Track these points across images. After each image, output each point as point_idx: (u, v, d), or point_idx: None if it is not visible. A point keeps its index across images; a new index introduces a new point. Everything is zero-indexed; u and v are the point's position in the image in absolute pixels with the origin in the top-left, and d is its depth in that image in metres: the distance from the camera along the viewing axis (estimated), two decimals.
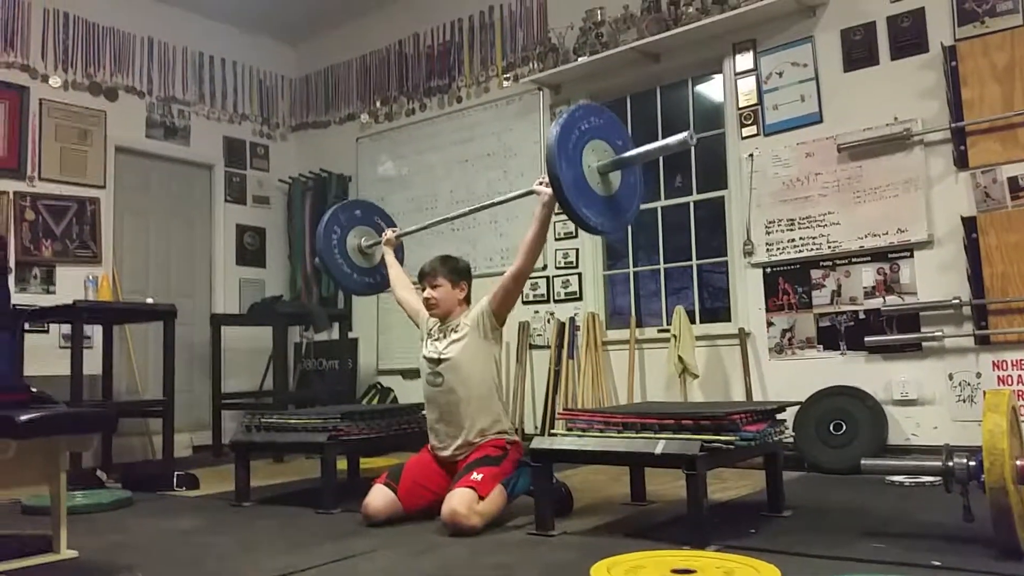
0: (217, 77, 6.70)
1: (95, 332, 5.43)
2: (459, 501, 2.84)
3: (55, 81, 5.67)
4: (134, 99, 6.13)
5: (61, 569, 2.51)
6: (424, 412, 3.46)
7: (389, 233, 3.90)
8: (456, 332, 3.24)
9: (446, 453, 3.20)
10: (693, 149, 5.01)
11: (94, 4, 5.92)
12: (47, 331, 5.37)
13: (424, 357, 3.30)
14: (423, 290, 3.33)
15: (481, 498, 2.88)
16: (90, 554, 2.68)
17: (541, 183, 3.05)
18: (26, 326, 4.93)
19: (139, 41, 6.19)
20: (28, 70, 5.54)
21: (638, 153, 3.01)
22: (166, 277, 6.27)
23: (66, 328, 5.20)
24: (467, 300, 3.36)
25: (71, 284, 5.43)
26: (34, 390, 2.82)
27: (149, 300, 5.27)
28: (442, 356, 3.22)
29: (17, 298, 5.12)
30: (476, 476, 2.94)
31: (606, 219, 2.93)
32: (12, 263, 4.99)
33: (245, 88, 6.90)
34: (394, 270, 3.78)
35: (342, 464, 3.68)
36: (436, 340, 3.29)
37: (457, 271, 3.34)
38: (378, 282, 4.01)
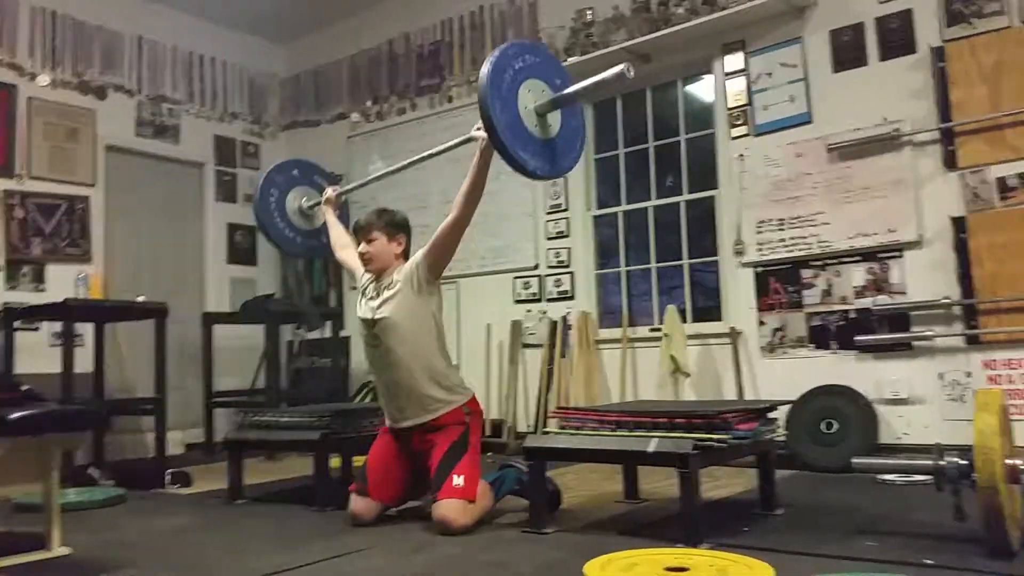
0: (207, 76, 6.68)
1: (86, 330, 5.40)
2: (449, 508, 2.82)
3: (43, 79, 5.64)
4: (124, 98, 6.11)
5: (54, 566, 2.51)
6: None
7: (329, 192, 3.74)
8: (390, 289, 3.07)
9: (403, 425, 3.08)
10: (684, 150, 5.06)
11: (83, 2, 5.89)
12: (37, 329, 5.34)
13: (359, 318, 3.15)
14: (358, 245, 3.19)
15: (471, 502, 2.87)
16: (83, 551, 2.68)
17: (479, 128, 2.86)
18: (16, 324, 4.90)
19: (129, 40, 6.17)
20: (16, 68, 5.51)
21: (575, 90, 2.85)
22: (157, 275, 6.24)
23: (57, 326, 5.17)
24: (405, 255, 3.19)
25: (61, 282, 5.41)
26: (25, 387, 2.81)
27: (140, 298, 5.24)
28: (376, 316, 3.05)
29: (7, 296, 5.11)
30: (458, 481, 2.88)
31: (544, 162, 2.79)
32: (2, 261, 4.96)
33: (235, 87, 6.88)
34: (335, 230, 3.61)
35: (335, 462, 3.67)
36: (371, 299, 3.13)
37: (394, 223, 3.18)
38: (324, 244, 3.79)
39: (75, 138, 5.77)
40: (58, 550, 2.64)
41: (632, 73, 2.73)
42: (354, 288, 3.39)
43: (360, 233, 3.18)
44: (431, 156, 3.47)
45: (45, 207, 5.55)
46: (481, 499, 2.94)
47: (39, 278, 5.47)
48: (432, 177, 6.05)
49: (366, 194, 6.01)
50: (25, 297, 5.23)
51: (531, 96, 2.79)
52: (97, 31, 5.97)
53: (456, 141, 3.25)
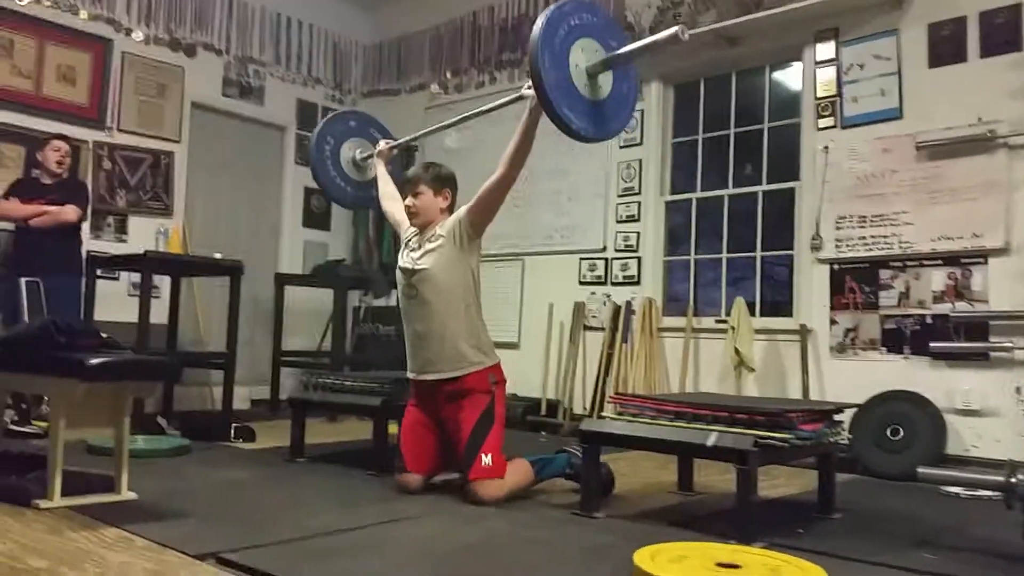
0: (293, 39, 6.77)
1: (163, 283, 5.58)
2: (482, 488, 2.91)
3: (138, 35, 5.79)
4: (212, 56, 6.24)
5: (121, 509, 2.60)
6: None
7: (382, 144, 3.77)
8: (432, 242, 3.10)
9: (428, 378, 3.10)
10: (766, 138, 4.94)
11: None
12: (117, 279, 5.54)
13: (399, 268, 3.19)
14: (404, 198, 3.22)
15: (500, 478, 2.95)
16: (148, 496, 2.77)
17: (529, 87, 2.80)
18: (98, 272, 5.09)
19: None
20: (113, 23, 5.67)
21: (628, 51, 2.77)
22: (234, 233, 6.40)
23: (136, 277, 5.35)
24: (450, 209, 3.21)
25: (142, 234, 5.59)
26: (104, 335, 2.91)
27: (217, 255, 5.38)
28: (416, 267, 3.10)
29: (91, 244, 5.29)
30: (486, 460, 2.93)
31: (590, 123, 2.72)
32: (88, 211, 5.14)
33: (320, 52, 6.96)
34: (383, 182, 3.65)
35: (392, 428, 3.73)
36: (412, 251, 3.17)
37: (440, 177, 3.19)
38: (373, 196, 3.82)
39: (164, 94, 5.93)
40: (126, 494, 2.74)
41: (687, 36, 2.63)
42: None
43: (407, 186, 3.21)
44: (481, 113, 3.45)
45: (131, 160, 5.73)
46: (515, 474, 3.01)
47: (122, 229, 5.66)
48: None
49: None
50: (108, 247, 5.42)
51: (584, 56, 2.72)
52: None
53: (507, 99, 3.23)
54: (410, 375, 3.21)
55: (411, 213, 3.20)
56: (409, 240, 3.25)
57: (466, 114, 3.55)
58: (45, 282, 4.25)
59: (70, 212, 4.67)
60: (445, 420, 3.11)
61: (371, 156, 3.87)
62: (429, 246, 3.12)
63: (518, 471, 3.03)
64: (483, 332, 3.16)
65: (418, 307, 3.10)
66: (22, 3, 5.24)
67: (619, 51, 2.78)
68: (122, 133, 5.69)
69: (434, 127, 3.95)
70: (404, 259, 3.19)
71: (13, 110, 5.17)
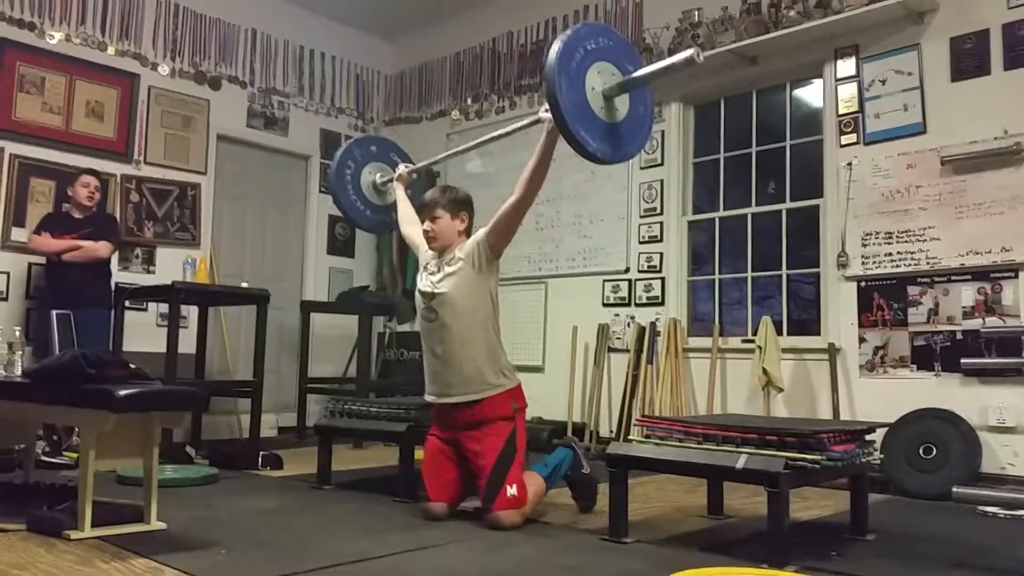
0: (316, 70, 6.87)
1: (191, 312, 5.64)
2: (504, 516, 2.92)
3: (163, 69, 5.90)
4: (237, 89, 6.34)
5: (151, 539, 2.62)
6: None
7: (402, 168, 3.83)
8: (451, 266, 3.13)
9: (448, 401, 3.10)
10: (788, 156, 4.92)
11: None
12: (146, 309, 5.61)
13: (418, 291, 3.21)
14: (423, 222, 3.24)
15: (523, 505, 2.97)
16: (177, 526, 2.79)
17: (546, 110, 2.82)
18: (127, 303, 5.16)
19: (243, 32, 6.40)
20: (139, 58, 5.79)
21: (644, 74, 2.81)
22: (260, 262, 6.46)
23: (164, 307, 5.41)
24: (467, 232, 3.23)
25: (170, 265, 5.66)
26: (132, 366, 2.94)
27: (244, 284, 5.44)
28: (436, 290, 3.11)
29: (119, 276, 5.37)
30: (512, 491, 2.94)
31: (607, 145, 2.75)
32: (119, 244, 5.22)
33: (342, 82, 7.05)
34: (403, 205, 3.69)
35: (418, 454, 3.72)
36: (432, 274, 3.19)
37: (456, 201, 3.21)
38: (392, 220, 3.88)
39: (190, 127, 6.02)
40: (154, 524, 2.76)
41: (701, 58, 2.67)
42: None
43: (425, 211, 3.23)
44: (499, 137, 3.48)
45: (158, 192, 5.82)
46: (532, 495, 3.01)
47: (150, 260, 5.74)
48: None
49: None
50: (136, 278, 5.49)
51: (600, 79, 2.75)
52: (214, 23, 6.22)
53: (524, 123, 3.26)
54: (429, 398, 3.21)
55: (429, 237, 3.23)
56: (428, 264, 3.27)
57: (483, 138, 3.58)
58: (75, 315, 4.29)
59: (103, 248, 4.76)
60: (467, 450, 3.10)
61: (391, 180, 3.91)
62: (448, 269, 3.14)
63: (533, 490, 3.04)
64: (503, 354, 3.17)
65: (438, 330, 3.11)
66: (53, 41, 5.37)
67: (635, 74, 2.81)
68: (149, 166, 5.79)
69: (452, 151, 4.02)
70: (423, 282, 3.21)
71: (44, 146, 5.28)
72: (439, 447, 3.17)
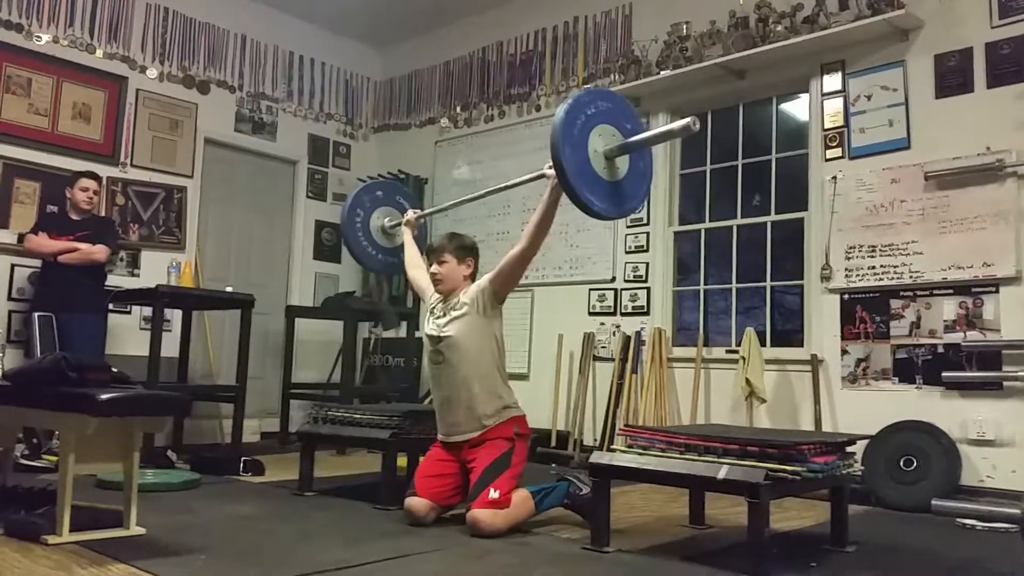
0: (306, 76, 6.87)
1: (175, 316, 5.61)
2: (481, 513, 2.94)
3: (152, 72, 5.89)
4: (225, 93, 6.32)
5: (130, 544, 2.60)
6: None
7: (410, 214, 3.97)
8: (456, 310, 3.25)
9: (456, 439, 3.22)
10: (774, 169, 4.96)
11: (192, 0, 6.13)
12: (129, 312, 5.58)
13: (425, 334, 3.33)
14: (430, 265, 3.37)
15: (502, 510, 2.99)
16: (157, 531, 2.77)
17: (550, 167, 2.98)
18: (110, 307, 5.12)
19: (233, 37, 6.39)
20: (128, 61, 5.77)
21: (643, 138, 3.00)
22: (246, 267, 6.44)
23: (147, 311, 5.38)
24: (473, 277, 3.38)
25: (155, 268, 5.64)
26: (114, 370, 2.93)
27: (228, 288, 5.42)
28: (442, 334, 3.23)
29: None
30: (494, 494, 2.98)
31: (610, 204, 2.91)
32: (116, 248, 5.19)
33: (332, 88, 7.05)
34: (411, 249, 3.84)
35: (402, 461, 3.72)
36: (438, 317, 3.30)
37: (463, 247, 3.36)
38: (400, 262, 4.02)
39: (177, 130, 6.01)
40: (134, 529, 2.74)
41: (698, 127, 2.85)
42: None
43: (432, 255, 3.37)
44: (504, 189, 3.76)
45: (144, 195, 5.80)
46: (517, 507, 3.03)
47: (134, 263, 5.71)
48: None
49: (450, 197, 6.08)
50: (120, 281, 5.45)
51: (601, 140, 2.92)
52: (204, 28, 6.21)
53: (528, 176, 3.43)
54: (439, 437, 3.31)
55: (436, 280, 3.35)
56: (434, 307, 3.38)
57: (490, 189, 3.87)
58: (69, 319, 4.22)
59: (100, 252, 4.73)
60: (466, 462, 3.18)
61: (399, 224, 4.04)
62: (454, 313, 3.25)
63: (519, 503, 3.05)
64: (508, 392, 3.29)
65: (445, 371, 3.23)
66: (40, 43, 5.34)
67: (633, 139, 2.99)
68: (135, 169, 5.76)
69: (460, 200, 4.17)
70: (430, 326, 3.32)
71: (29, 147, 5.25)
72: (442, 454, 3.26)
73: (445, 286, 3.32)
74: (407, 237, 3.89)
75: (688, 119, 2.83)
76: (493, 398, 3.20)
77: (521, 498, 3.07)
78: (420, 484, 3.15)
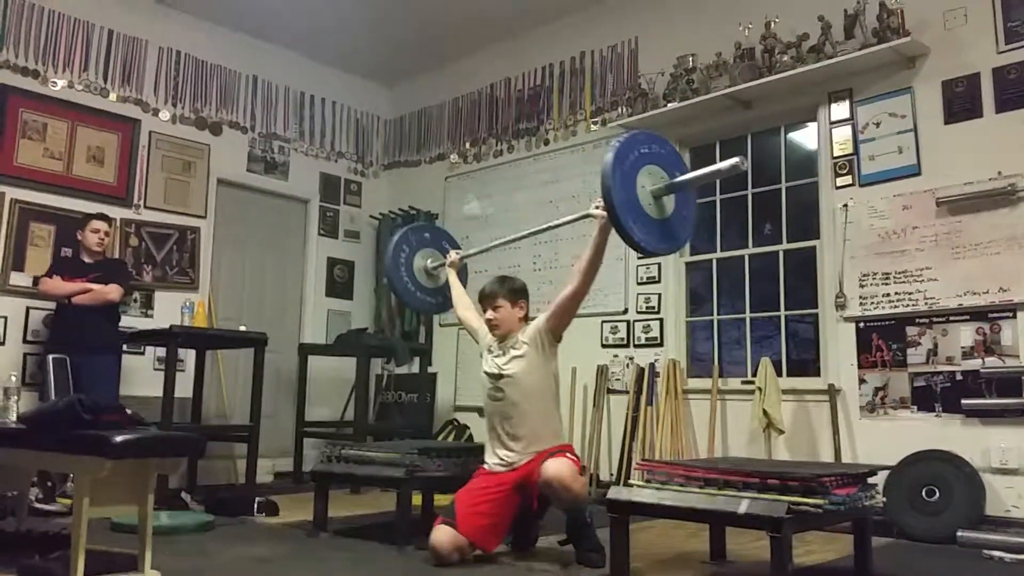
0: (317, 115, 6.94)
1: (188, 356, 5.62)
2: (563, 465, 3.06)
3: (164, 115, 5.96)
4: (237, 134, 6.39)
5: None
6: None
7: (453, 255, 4.08)
8: (516, 349, 3.37)
9: (505, 469, 3.28)
10: (784, 198, 4.96)
11: (204, 43, 6.22)
12: (143, 353, 5.59)
13: (485, 372, 3.43)
14: (484, 311, 3.47)
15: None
16: (171, 575, 2.74)
17: (597, 207, 3.13)
18: (124, 347, 5.14)
19: (244, 79, 6.47)
20: (141, 104, 5.85)
21: (691, 177, 3.11)
22: (259, 305, 6.46)
23: (161, 351, 5.39)
24: (526, 318, 3.49)
25: (168, 309, 5.65)
26: (128, 411, 2.92)
27: (242, 327, 5.43)
28: (503, 372, 3.35)
29: None
30: (568, 454, 3.17)
31: (651, 238, 3.00)
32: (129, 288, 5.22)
33: (342, 127, 7.12)
34: (457, 290, 3.96)
35: (417, 500, 3.69)
36: (497, 356, 3.42)
37: (515, 291, 3.47)
38: (440, 303, 4.20)
39: (190, 171, 6.07)
40: (149, 573, 2.71)
41: (746, 166, 2.99)
42: (461, 329, 3.85)
43: (485, 301, 3.47)
44: (548, 229, 3.95)
45: (158, 236, 5.84)
46: (583, 487, 3.19)
47: (148, 304, 5.73)
48: (526, 219, 6.08)
49: (461, 232, 6.10)
50: (134, 322, 5.47)
51: (649, 179, 3.04)
52: (215, 70, 6.29)
53: (573, 217, 3.60)
54: (488, 467, 3.36)
55: (492, 325, 3.45)
56: (491, 346, 3.49)
57: (533, 229, 4.02)
58: (84, 360, 4.22)
59: (113, 291, 4.77)
60: (521, 477, 3.23)
61: (442, 265, 4.13)
62: (514, 352, 3.37)
63: (584, 482, 3.21)
64: (561, 426, 3.51)
65: (506, 408, 3.33)
66: (56, 88, 5.42)
67: (680, 179, 3.10)
68: (149, 210, 5.81)
69: (502, 240, 4.24)
70: (489, 364, 3.43)
71: (44, 191, 5.31)
72: (487, 479, 3.29)
73: (502, 330, 3.43)
74: (452, 278, 4.01)
75: (736, 159, 2.96)
76: (550, 434, 3.31)
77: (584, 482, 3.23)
78: (462, 515, 3.12)
